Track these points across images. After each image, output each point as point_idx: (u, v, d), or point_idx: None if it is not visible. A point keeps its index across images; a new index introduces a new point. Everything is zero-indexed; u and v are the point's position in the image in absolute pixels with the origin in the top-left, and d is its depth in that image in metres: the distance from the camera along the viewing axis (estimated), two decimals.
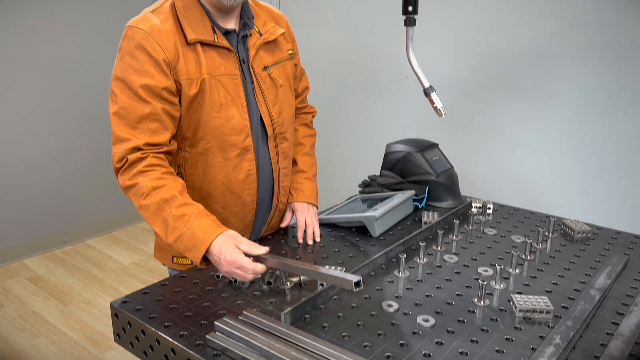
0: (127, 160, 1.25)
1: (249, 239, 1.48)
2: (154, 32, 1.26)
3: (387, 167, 1.88)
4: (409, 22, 1.47)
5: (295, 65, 1.57)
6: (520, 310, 1.11)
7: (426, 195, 1.79)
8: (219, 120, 1.34)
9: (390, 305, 1.15)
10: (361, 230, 1.59)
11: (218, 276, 1.28)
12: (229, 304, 1.17)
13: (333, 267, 1.29)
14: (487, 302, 1.17)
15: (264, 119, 1.42)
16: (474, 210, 1.72)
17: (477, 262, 1.38)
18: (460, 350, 1.00)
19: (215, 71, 1.32)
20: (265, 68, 1.42)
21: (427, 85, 1.51)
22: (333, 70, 3.15)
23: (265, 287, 1.23)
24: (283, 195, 1.56)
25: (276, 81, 1.44)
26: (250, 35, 1.40)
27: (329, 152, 3.17)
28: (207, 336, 1.03)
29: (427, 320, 1.09)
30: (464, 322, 1.09)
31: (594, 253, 1.44)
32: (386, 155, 1.89)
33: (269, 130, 1.44)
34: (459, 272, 1.32)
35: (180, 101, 1.31)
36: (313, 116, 1.72)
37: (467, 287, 1.24)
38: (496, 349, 1.00)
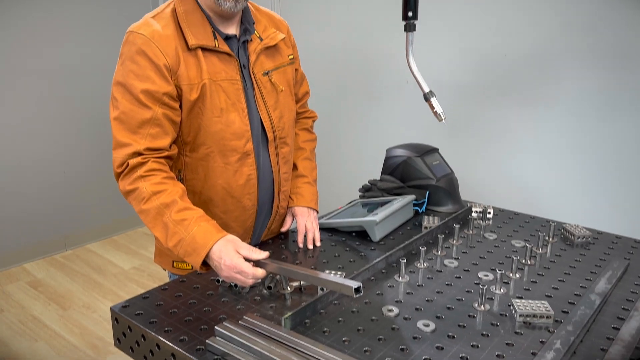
0: (127, 165, 1.26)
1: (250, 243, 1.48)
2: (155, 37, 1.26)
3: (388, 172, 1.88)
4: (409, 27, 1.48)
5: (296, 70, 1.57)
6: (520, 315, 1.11)
7: (426, 199, 1.79)
8: (220, 125, 1.34)
9: (390, 310, 1.15)
10: (361, 234, 1.59)
11: (218, 281, 1.28)
12: (229, 309, 1.17)
13: (333, 272, 1.29)
14: (488, 306, 1.17)
15: (264, 124, 1.43)
16: (474, 214, 1.72)
17: (478, 267, 1.38)
18: (460, 355, 0.99)
19: (216, 76, 1.33)
20: (266, 73, 1.43)
21: (427, 90, 1.51)
22: (333, 75, 3.15)
23: (265, 291, 1.23)
24: (283, 200, 1.56)
25: (277, 86, 1.45)
26: (251, 40, 1.41)
27: (330, 156, 3.17)
28: (207, 341, 1.03)
29: (427, 325, 1.09)
30: (464, 326, 1.09)
31: (594, 258, 1.44)
32: (386, 159, 1.90)
33: (270, 135, 1.44)
34: (459, 277, 1.32)
35: (181, 106, 1.32)
36: (313, 121, 1.72)
37: (468, 291, 1.24)
38: (497, 353, 1.00)
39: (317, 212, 1.62)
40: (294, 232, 1.61)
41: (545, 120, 2.36)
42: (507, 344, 1.03)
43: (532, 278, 1.31)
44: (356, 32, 2.99)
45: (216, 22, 1.35)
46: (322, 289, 1.19)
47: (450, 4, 2.54)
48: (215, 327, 1.04)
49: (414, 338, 1.05)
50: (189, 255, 1.20)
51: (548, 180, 2.41)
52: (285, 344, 0.99)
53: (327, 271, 1.30)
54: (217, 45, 1.32)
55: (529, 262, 1.39)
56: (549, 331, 1.08)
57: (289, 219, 1.61)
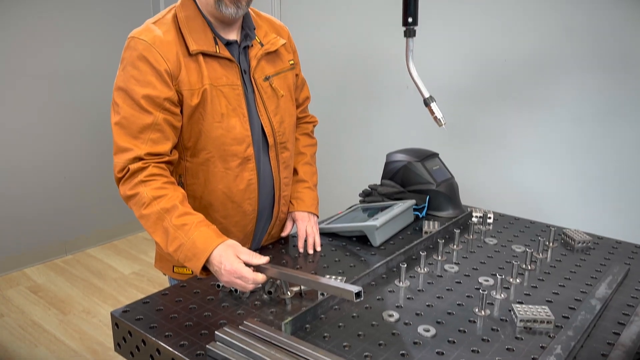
0: (128, 170, 1.26)
1: (250, 248, 1.48)
2: (156, 43, 1.27)
3: (388, 177, 1.88)
4: (409, 33, 1.48)
5: (297, 75, 1.58)
6: (521, 320, 1.11)
7: (427, 204, 1.79)
8: (220, 130, 1.35)
9: (391, 315, 1.15)
10: (362, 239, 1.59)
11: (218, 286, 1.28)
12: (230, 314, 1.17)
13: (334, 277, 1.29)
14: (488, 311, 1.17)
15: (265, 129, 1.43)
16: (474, 219, 1.72)
17: (478, 272, 1.38)
18: None
19: (217, 81, 1.33)
20: (267, 78, 1.43)
21: (427, 95, 1.52)
22: (334, 80, 3.16)
23: (265, 296, 1.23)
24: (284, 205, 1.56)
25: (277, 91, 1.45)
26: (252, 46, 1.41)
27: (330, 161, 3.17)
28: (207, 346, 1.03)
29: (427, 330, 1.09)
30: (464, 332, 1.09)
31: (595, 263, 1.44)
32: (387, 164, 1.90)
33: (270, 140, 1.45)
34: (460, 282, 1.32)
35: (181, 111, 1.32)
36: (314, 126, 1.72)
37: (468, 296, 1.24)
38: (497, 359, 1.00)
39: (318, 216, 1.63)
40: (294, 237, 1.61)
41: (546, 125, 2.37)
42: (507, 349, 1.03)
43: (532, 283, 1.31)
44: (356, 37, 3.00)
45: (217, 27, 1.35)
46: (322, 294, 1.19)
47: (450, 9, 2.55)
48: (216, 332, 1.04)
49: (415, 343, 1.05)
50: (189, 260, 1.20)
51: (548, 185, 2.41)
52: (285, 349, 0.99)
53: (328, 276, 1.30)
54: (218, 51, 1.33)
55: (529, 267, 1.39)
56: (549, 336, 1.08)
57: (289, 224, 1.61)
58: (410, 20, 1.46)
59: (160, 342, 1.06)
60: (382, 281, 1.32)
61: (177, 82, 1.29)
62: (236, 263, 1.15)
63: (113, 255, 3.78)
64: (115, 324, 1.17)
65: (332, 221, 1.69)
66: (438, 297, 1.24)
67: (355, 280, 1.25)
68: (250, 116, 1.40)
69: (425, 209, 1.79)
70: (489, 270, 1.38)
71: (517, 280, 1.32)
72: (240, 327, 1.07)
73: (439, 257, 1.45)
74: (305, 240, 1.54)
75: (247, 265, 1.16)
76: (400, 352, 1.02)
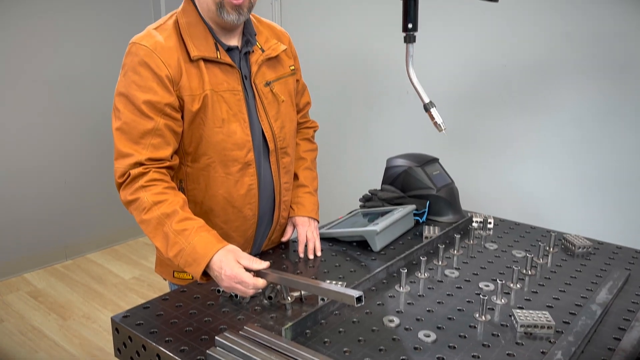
0: (129, 175, 1.26)
1: (250, 253, 1.48)
2: (157, 48, 1.27)
3: (388, 182, 1.89)
4: (409, 39, 1.49)
5: (297, 80, 1.58)
6: (521, 326, 1.11)
7: (427, 209, 1.79)
8: (221, 135, 1.35)
9: (391, 321, 1.15)
10: (362, 244, 1.59)
11: (219, 291, 1.28)
12: (230, 319, 1.17)
13: (334, 282, 1.29)
14: (489, 317, 1.17)
15: (265, 134, 1.43)
16: (474, 224, 1.72)
17: (478, 277, 1.38)
18: None
19: (218, 87, 1.34)
20: (268, 84, 1.44)
21: (427, 100, 1.52)
22: (334, 85, 3.17)
23: (266, 301, 1.23)
24: (284, 210, 1.56)
25: (278, 97, 1.46)
26: (253, 51, 1.42)
27: (330, 166, 3.17)
28: (207, 351, 1.03)
29: (428, 336, 1.09)
30: (465, 337, 1.09)
31: (595, 268, 1.44)
32: (387, 169, 1.90)
33: (271, 145, 1.45)
34: (460, 287, 1.32)
35: (182, 117, 1.33)
36: (314, 131, 1.73)
37: (468, 302, 1.24)
38: None
39: (318, 221, 1.63)
40: (294, 241, 1.61)
41: (546, 130, 2.37)
42: (508, 354, 1.03)
43: (532, 288, 1.31)
44: (357, 43, 3.01)
45: (218, 33, 1.36)
46: (322, 299, 1.19)
47: (450, 15, 2.56)
48: (216, 337, 1.04)
49: (415, 348, 1.05)
50: (189, 266, 1.20)
51: (548, 190, 2.41)
52: (285, 355, 0.98)
53: (328, 281, 1.30)
54: (219, 57, 1.34)
55: (529, 273, 1.39)
56: (550, 342, 1.08)
57: (289, 229, 1.61)
58: (410, 26, 1.46)
59: (160, 348, 1.06)
60: (382, 286, 1.32)
61: (178, 87, 1.29)
62: (236, 268, 1.15)
63: (113, 260, 3.77)
64: (116, 329, 1.17)
65: (332, 226, 1.69)
66: (438, 303, 1.24)
67: (355, 286, 1.25)
68: (251, 121, 1.40)
69: (426, 214, 1.79)
70: (490, 276, 1.38)
71: (518, 286, 1.32)
72: (240, 332, 1.06)
73: (440, 262, 1.45)
74: (306, 245, 1.54)
75: (248, 270, 1.16)
76: (401, 358, 1.02)
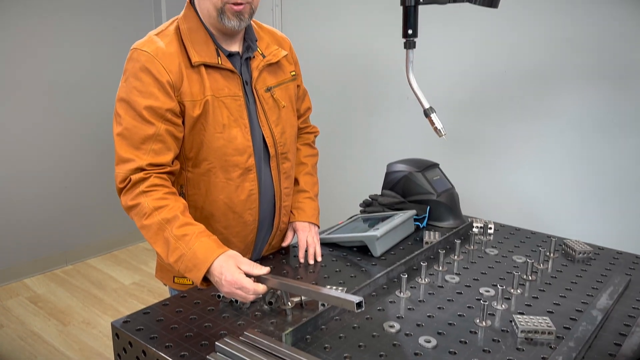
0: (130, 180, 1.26)
1: (250, 258, 1.48)
2: (158, 54, 1.28)
3: (388, 187, 1.89)
4: (409, 44, 1.50)
5: (298, 86, 1.59)
6: (522, 331, 1.11)
7: (427, 215, 1.79)
8: (222, 140, 1.35)
9: (391, 326, 1.15)
10: (362, 249, 1.59)
11: (219, 296, 1.28)
12: (230, 325, 1.17)
13: (334, 287, 1.29)
14: (489, 322, 1.17)
15: (266, 140, 1.44)
16: (475, 230, 1.72)
17: (479, 283, 1.37)
18: None
19: (219, 92, 1.34)
20: (268, 89, 1.44)
21: (427, 106, 1.52)
22: (335, 90, 3.18)
23: (266, 307, 1.23)
24: (284, 215, 1.56)
25: (279, 102, 1.46)
26: (254, 57, 1.42)
27: (331, 171, 3.18)
28: (207, 357, 1.02)
29: (428, 341, 1.09)
30: (465, 342, 1.09)
31: (596, 273, 1.44)
32: (387, 174, 1.90)
33: (272, 151, 1.45)
34: (461, 293, 1.32)
35: (183, 122, 1.33)
36: (315, 136, 1.73)
37: (469, 307, 1.24)
38: None
39: (319, 227, 1.63)
40: (295, 247, 1.61)
41: (546, 135, 2.37)
42: None
43: (533, 294, 1.31)
44: (357, 48, 3.02)
45: (219, 39, 1.37)
46: (323, 305, 1.19)
47: (450, 21, 2.56)
48: (216, 342, 1.04)
49: (416, 354, 1.05)
50: (189, 271, 1.20)
51: (549, 195, 2.41)
52: None
53: (328, 286, 1.30)
54: (220, 62, 1.34)
55: (530, 278, 1.39)
56: (550, 347, 1.07)
57: (290, 234, 1.61)
58: (410, 32, 1.47)
59: (160, 353, 1.06)
60: (382, 292, 1.32)
61: (179, 93, 1.30)
62: (237, 274, 1.15)
63: (113, 266, 3.77)
64: (116, 335, 1.17)
65: (332, 231, 1.69)
66: (439, 308, 1.24)
67: (356, 291, 1.25)
68: (252, 127, 1.40)
69: (426, 219, 1.79)
70: (490, 281, 1.38)
71: (518, 291, 1.31)
72: (240, 337, 1.06)
73: (440, 268, 1.45)
74: (306, 251, 1.54)
75: (248, 275, 1.16)
76: None
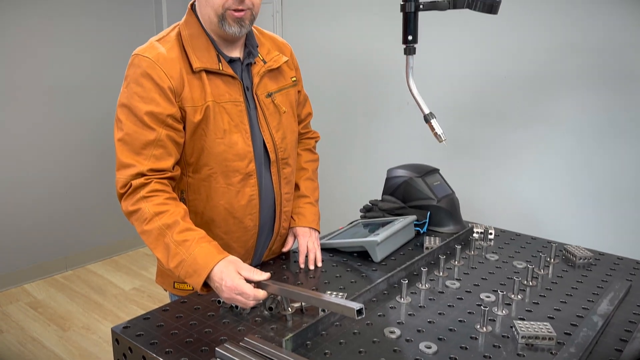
0: (130, 185, 1.26)
1: (251, 264, 1.48)
2: (159, 60, 1.28)
3: (389, 192, 1.89)
4: (409, 50, 1.50)
5: (299, 91, 1.59)
6: (522, 337, 1.10)
7: (427, 220, 1.79)
8: (223, 146, 1.36)
9: (392, 332, 1.15)
10: (363, 255, 1.59)
11: (219, 302, 1.28)
12: (230, 330, 1.17)
13: (335, 293, 1.29)
14: (490, 328, 1.16)
15: (267, 145, 1.44)
16: (475, 235, 1.72)
17: (479, 288, 1.37)
18: None
19: (220, 98, 1.35)
20: (269, 95, 1.45)
21: (427, 111, 1.53)
22: (335, 95, 3.19)
23: (266, 313, 1.23)
24: (285, 220, 1.57)
25: (279, 107, 1.46)
26: (255, 63, 1.43)
27: (331, 176, 3.18)
28: None
29: (429, 347, 1.08)
30: (466, 348, 1.09)
31: (596, 279, 1.43)
32: (387, 180, 1.91)
33: (272, 156, 1.46)
34: (461, 298, 1.31)
35: (184, 128, 1.33)
36: (316, 141, 1.73)
37: (470, 313, 1.24)
38: None
39: (319, 232, 1.63)
40: (295, 252, 1.61)
41: (546, 141, 2.38)
42: None
43: (534, 299, 1.31)
44: (358, 53, 3.03)
45: (220, 45, 1.37)
46: (323, 310, 1.19)
47: (449, 26, 2.57)
48: (216, 348, 1.04)
49: None
50: (189, 277, 1.20)
51: (549, 201, 2.41)
52: None
53: (329, 292, 1.30)
54: (221, 68, 1.35)
55: (530, 284, 1.39)
56: (551, 353, 1.07)
57: (290, 240, 1.61)
58: (410, 38, 1.48)
59: (160, 359, 1.06)
60: (383, 297, 1.32)
61: (180, 99, 1.30)
62: (237, 279, 1.15)
63: (113, 271, 3.77)
64: (116, 340, 1.17)
65: (333, 237, 1.69)
66: (440, 314, 1.23)
67: (356, 297, 1.25)
68: (253, 132, 1.41)
69: (426, 224, 1.79)
70: (491, 287, 1.38)
71: (519, 297, 1.31)
72: (240, 343, 1.06)
73: (440, 273, 1.45)
74: (306, 256, 1.54)
75: (248, 281, 1.16)
76: None
